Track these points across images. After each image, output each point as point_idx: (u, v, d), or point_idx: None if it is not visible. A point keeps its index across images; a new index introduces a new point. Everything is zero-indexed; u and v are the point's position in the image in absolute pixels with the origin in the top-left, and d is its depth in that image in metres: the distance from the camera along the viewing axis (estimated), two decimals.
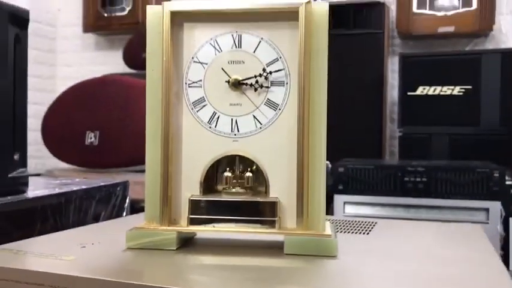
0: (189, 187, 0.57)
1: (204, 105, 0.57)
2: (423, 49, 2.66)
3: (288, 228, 0.54)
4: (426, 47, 2.66)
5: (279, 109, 0.55)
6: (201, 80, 0.57)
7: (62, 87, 2.93)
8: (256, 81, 0.55)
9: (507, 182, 1.62)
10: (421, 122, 2.15)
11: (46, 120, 2.00)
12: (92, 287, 0.43)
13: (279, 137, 0.55)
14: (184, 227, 0.55)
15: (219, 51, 0.56)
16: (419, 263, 0.51)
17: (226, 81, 0.56)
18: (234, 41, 0.56)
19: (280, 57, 0.55)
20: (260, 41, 0.56)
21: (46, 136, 1.98)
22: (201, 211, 0.55)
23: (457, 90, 2.08)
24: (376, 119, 2.39)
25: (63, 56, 3.48)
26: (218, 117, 0.56)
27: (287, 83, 0.55)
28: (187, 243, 0.58)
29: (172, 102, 0.56)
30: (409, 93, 2.16)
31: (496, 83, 2.04)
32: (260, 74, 0.55)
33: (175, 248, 0.54)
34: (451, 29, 2.46)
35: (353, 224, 0.72)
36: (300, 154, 0.53)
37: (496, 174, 1.58)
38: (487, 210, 1.61)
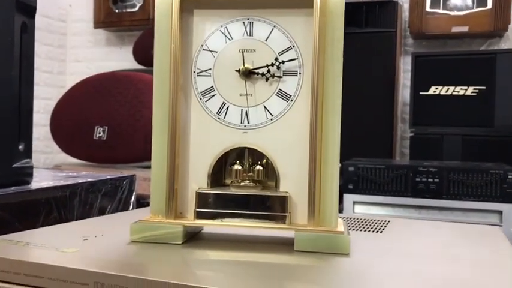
0: (197, 180, 0.55)
1: (213, 95, 0.54)
2: (436, 49, 2.62)
3: (299, 224, 0.52)
4: (439, 47, 2.62)
5: (291, 100, 0.53)
6: (210, 69, 0.55)
7: (72, 82, 2.93)
8: (268, 71, 0.53)
9: None
10: (433, 122, 2.12)
11: (55, 114, 1.99)
12: (93, 280, 0.41)
13: (290, 129, 0.53)
14: (191, 221, 0.53)
15: (229, 39, 0.54)
16: (437, 264, 0.49)
17: (236, 71, 0.54)
18: (246, 29, 0.54)
19: (294, 46, 0.53)
20: (273, 29, 0.53)
21: (54, 130, 1.97)
22: (209, 205, 0.53)
23: (470, 90, 2.04)
24: (387, 119, 2.36)
25: (73, 52, 3.48)
26: (227, 108, 0.54)
27: (300, 73, 0.53)
28: (193, 237, 0.56)
29: (180, 92, 0.54)
30: (421, 93, 2.13)
31: (510, 84, 2.00)
32: (272, 63, 0.53)
33: (181, 242, 0.52)
34: (465, 28, 2.42)
35: (365, 222, 0.70)
36: (312, 147, 0.51)
37: (511, 176, 1.55)
38: (500, 212, 1.58)
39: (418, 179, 1.65)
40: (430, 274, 0.45)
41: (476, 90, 2.03)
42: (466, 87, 2.04)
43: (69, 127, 1.91)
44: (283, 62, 0.53)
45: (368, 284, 0.42)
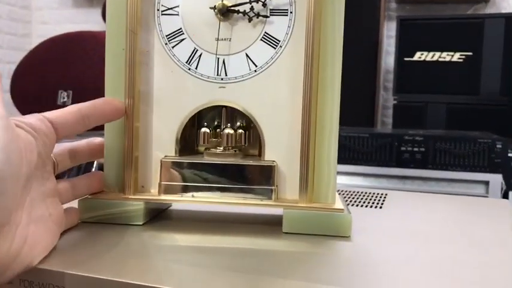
0: (162, 146, 0.44)
1: (182, 40, 0.43)
2: (420, 14, 2.52)
3: (288, 199, 0.43)
4: (423, 12, 2.52)
5: (280, 46, 0.43)
6: (178, 6, 0.43)
7: None
8: (251, 9, 0.42)
9: (509, 154, 1.53)
10: (417, 89, 2.04)
11: (15, 77, 1.83)
12: (22, 277, 0.31)
13: (279, 82, 0.43)
14: (155, 196, 0.43)
15: None
16: (456, 246, 0.40)
17: (211, 8, 0.43)
18: None
19: None
20: None
21: (15, 94, 1.82)
22: (177, 176, 0.43)
23: (457, 56, 1.96)
24: (369, 87, 2.28)
25: (39, 13, 3.28)
26: (200, 56, 0.43)
27: (291, 12, 0.42)
28: (157, 217, 0.46)
29: (139, 35, 0.43)
30: (406, 59, 2.04)
31: (498, 50, 1.92)
32: None
33: (141, 223, 0.42)
34: None
35: (359, 196, 0.61)
36: (306, 105, 0.41)
37: (499, 146, 1.48)
38: (486, 183, 1.52)
39: (403, 148, 1.57)
40: (455, 260, 0.36)
41: (463, 56, 1.95)
42: (452, 53, 1.96)
43: (30, 91, 1.76)
44: None
45: (380, 276, 0.33)
